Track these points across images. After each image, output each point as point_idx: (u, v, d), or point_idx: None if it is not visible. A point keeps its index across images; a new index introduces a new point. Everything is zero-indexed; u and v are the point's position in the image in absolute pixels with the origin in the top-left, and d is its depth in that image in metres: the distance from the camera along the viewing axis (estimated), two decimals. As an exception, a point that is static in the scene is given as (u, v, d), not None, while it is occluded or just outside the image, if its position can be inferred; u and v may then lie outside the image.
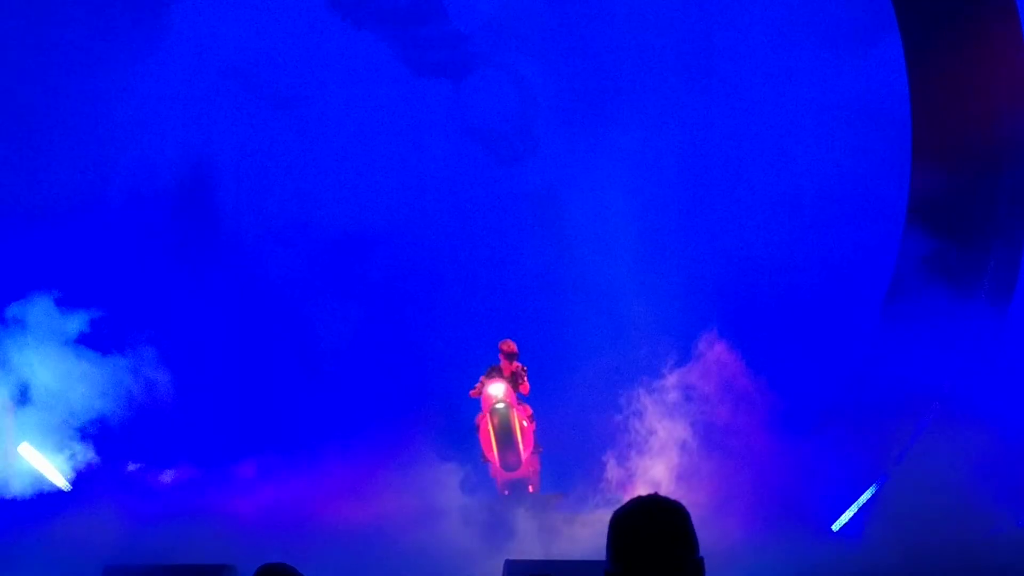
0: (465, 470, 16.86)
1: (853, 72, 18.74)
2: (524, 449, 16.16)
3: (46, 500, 16.18)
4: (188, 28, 18.53)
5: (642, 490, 15.83)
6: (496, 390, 16.39)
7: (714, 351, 16.29)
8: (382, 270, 18.75)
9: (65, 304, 16.62)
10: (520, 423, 16.24)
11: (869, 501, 17.19)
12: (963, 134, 17.72)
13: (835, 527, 17.11)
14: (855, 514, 17.07)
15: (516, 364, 16.66)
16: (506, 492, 16.67)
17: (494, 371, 16.71)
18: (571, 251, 18.75)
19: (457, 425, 17.00)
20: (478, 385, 16.62)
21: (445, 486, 15.89)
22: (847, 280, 18.24)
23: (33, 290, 16.53)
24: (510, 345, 16.71)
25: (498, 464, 16.25)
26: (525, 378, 16.64)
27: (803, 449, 16.41)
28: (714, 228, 18.81)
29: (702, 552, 3.73)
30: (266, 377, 18.00)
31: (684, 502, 3.92)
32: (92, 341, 16.61)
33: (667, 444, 16.35)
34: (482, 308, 18.58)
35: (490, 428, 16.17)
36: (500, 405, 16.25)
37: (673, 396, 16.34)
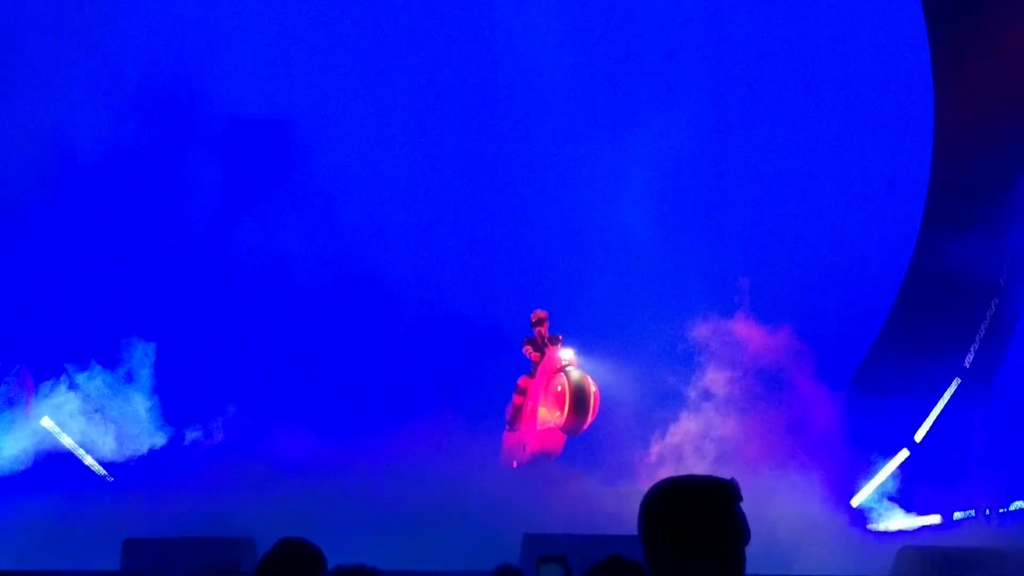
0: (487, 443, 16.96)
1: (874, 63, 18.69)
2: (592, 413, 16.44)
3: (67, 474, 16.25)
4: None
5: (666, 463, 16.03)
6: (567, 353, 16.67)
7: (744, 324, 16.46)
8: (413, 255, 18.82)
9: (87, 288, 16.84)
10: (591, 387, 16.49)
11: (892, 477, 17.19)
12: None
13: (854, 503, 17.08)
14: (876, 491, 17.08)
15: (541, 328, 16.99)
16: (514, 464, 16.85)
17: (531, 341, 16.93)
18: (596, 240, 18.76)
19: (480, 398, 17.10)
20: (527, 348, 16.91)
21: (466, 459, 15.91)
22: (870, 242, 18.32)
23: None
24: (537, 314, 16.97)
25: (566, 425, 16.46)
26: (555, 344, 16.94)
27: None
28: (734, 203, 18.83)
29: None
30: (291, 352, 18.06)
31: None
32: (115, 322, 16.75)
33: (692, 422, 16.52)
34: (509, 286, 18.64)
35: (565, 388, 16.38)
36: (574, 368, 16.48)
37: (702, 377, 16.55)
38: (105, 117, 17.50)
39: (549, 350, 16.90)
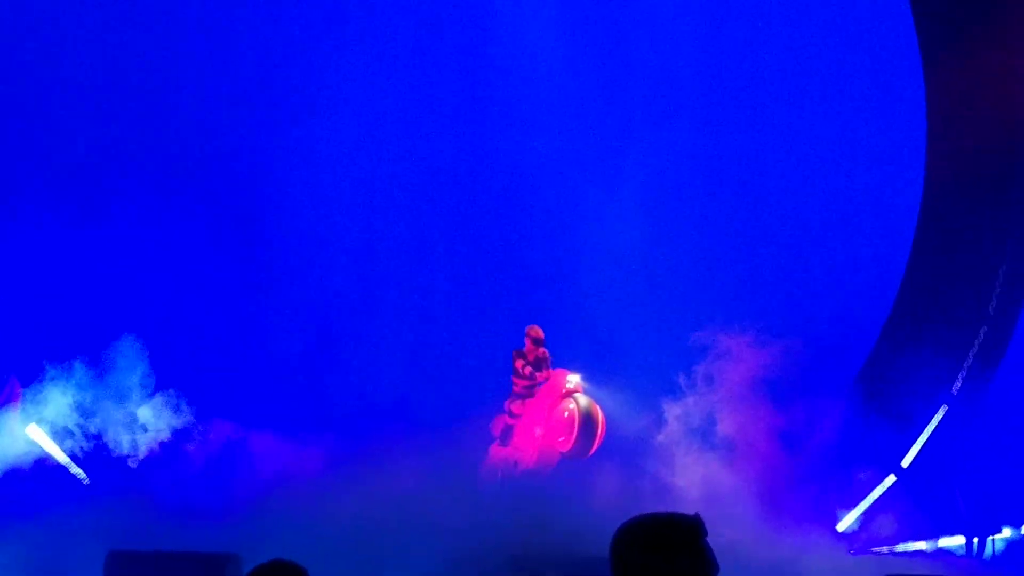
0: (473, 462, 16.98)
1: (868, 71, 18.74)
2: (599, 440, 16.54)
3: (53, 483, 16.16)
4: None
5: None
6: (574, 378, 16.77)
7: (737, 342, 16.50)
8: (406, 266, 18.80)
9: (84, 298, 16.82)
10: (600, 415, 16.54)
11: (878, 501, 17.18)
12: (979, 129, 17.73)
13: (840, 527, 17.06)
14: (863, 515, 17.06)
15: (542, 350, 16.96)
16: (499, 477, 16.90)
17: (519, 355, 16.94)
18: (587, 249, 18.75)
19: (471, 415, 17.11)
20: (519, 363, 16.89)
21: (453, 476, 15.90)
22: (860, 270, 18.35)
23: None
24: (538, 331, 16.96)
25: (570, 450, 16.52)
26: (547, 366, 16.93)
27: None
28: (728, 216, 18.87)
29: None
30: (278, 363, 18.00)
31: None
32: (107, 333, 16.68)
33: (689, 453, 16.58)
34: (502, 302, 18.63)
35: (575, 415, 16.43)
36: (582, 395, 16.62)
37: (698, 399, 16.60)
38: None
39: (555, 373, 16.95)
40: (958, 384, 17.86)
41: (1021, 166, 17.70)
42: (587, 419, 16.54)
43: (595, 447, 16.69)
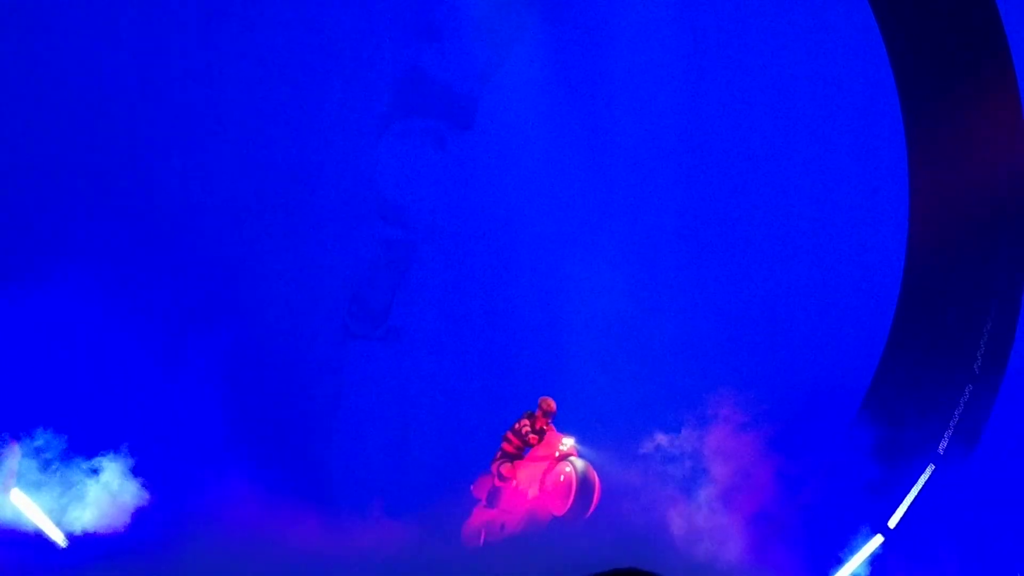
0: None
1: (850, 133, 19.00)
2: (594, 504, 16.63)
3: (34, 550, 15.97)
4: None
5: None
6: (569, 441, 16.92)
7: (727, 399, 16.60)
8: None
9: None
10: (596, 478, 16.56)
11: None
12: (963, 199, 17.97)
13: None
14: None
15: (551, 426, 17.06)
16: (482, 541, 16.91)
17: (529, 415, 17.04)
18: (572, 316, 18.87)
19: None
20: (525, 422, 16.95)
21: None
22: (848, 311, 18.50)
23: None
24: (551, 405, 17.09)
25: (566, 513, 16.59)
26: (542, 439, 16.99)
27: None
28: (713, 277, 19.04)
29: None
30: (264, 427, 17.96)
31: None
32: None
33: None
34: (488, 369, 18.71)
35: (571, 479, 16.53)
36: (578, 459, 16.78)
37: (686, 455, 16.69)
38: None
39: (549, 434, 17.04)
40: (944, 444, 17.95)
41: (1005, 225, 17.94)
42: (584, 483, 16.67)
43: (591, 510, 16.79)
